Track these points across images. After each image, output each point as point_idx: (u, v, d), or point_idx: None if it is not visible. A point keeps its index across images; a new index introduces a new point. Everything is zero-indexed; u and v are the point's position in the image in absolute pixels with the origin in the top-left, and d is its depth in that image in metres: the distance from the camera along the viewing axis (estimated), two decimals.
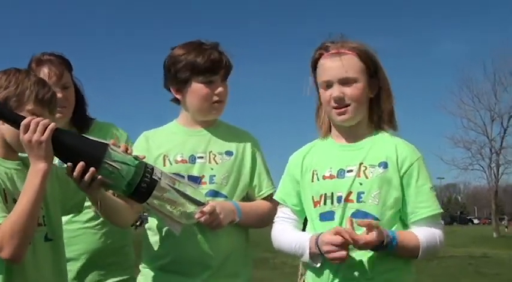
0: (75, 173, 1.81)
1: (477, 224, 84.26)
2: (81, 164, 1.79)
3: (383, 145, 2.01)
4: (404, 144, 2.02)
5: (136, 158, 1.87)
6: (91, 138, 1.90)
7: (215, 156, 2.24)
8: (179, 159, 2.21)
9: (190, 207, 1.93)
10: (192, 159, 2.22)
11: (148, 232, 2.25)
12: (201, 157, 2.23)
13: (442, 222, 2.03)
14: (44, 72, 2.43)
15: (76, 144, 1.86)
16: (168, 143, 2.26)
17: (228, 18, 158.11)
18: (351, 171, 1.97)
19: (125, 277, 2.58)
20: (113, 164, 1.80)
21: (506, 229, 42.97)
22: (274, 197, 2.22)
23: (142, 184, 1.83)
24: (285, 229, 2.12)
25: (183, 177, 2.08)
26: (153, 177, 1.85)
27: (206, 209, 2.02)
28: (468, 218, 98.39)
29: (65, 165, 1.84)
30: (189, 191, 1.92)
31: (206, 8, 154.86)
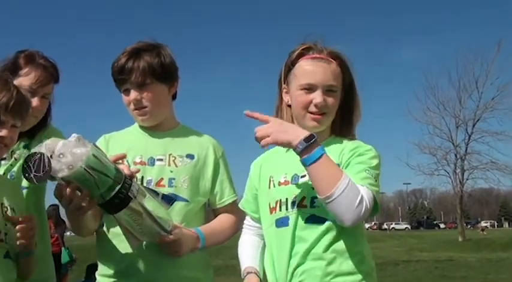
0: (68, 195, 1.72)
1: (443, 228, 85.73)
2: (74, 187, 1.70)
3: (336, 148, 1.93)
4: (359, 143, 1.95)
5: (117, 169, 1.78)
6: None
7: (175, 158, 2.17)
8: (138, 160, 2.14)
9: (156, 230, 1.90)
10: (151, 162, 2.15)
11: (103, 237, 2.15)
12: (161, 159, 2.16)
13: (370, 201, 1.75)
14: (31, 74, 2.29)
15: None
16: (127, 145, 2.19)
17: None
18: (305, 176, 1.87)
19: None
20: (90, 171, 1.68)
21: (484, 232, 44.30)
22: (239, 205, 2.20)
23: (115, 199, 1.75)
24: (242, 243, 2.15)
25: (157, 194, 1.99)
26: (129, 194, 1.77)
27: (170, 238, 1.98)
28: (434, 222, 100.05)
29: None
30: (160, 213, 1.89)
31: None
